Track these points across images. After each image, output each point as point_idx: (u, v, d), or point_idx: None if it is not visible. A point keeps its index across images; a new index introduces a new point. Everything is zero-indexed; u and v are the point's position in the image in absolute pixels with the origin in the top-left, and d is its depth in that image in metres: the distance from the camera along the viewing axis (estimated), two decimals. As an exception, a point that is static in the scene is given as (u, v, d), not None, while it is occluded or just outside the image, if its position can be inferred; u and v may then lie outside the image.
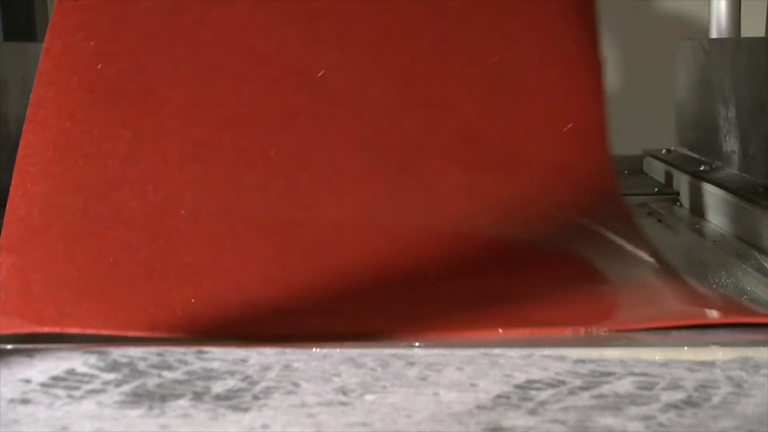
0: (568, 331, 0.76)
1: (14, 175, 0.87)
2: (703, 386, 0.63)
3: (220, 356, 0.68)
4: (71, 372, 0.65)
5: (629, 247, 0.96)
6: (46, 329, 0.74)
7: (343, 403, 0.60)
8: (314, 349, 0.70)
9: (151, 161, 0.89)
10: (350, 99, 0.94)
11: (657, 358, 0.69)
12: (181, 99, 0.91)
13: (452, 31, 0.99)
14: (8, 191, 1.03)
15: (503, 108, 1.00)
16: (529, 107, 1.00)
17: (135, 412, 0.59)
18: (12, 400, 0.60)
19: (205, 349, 0.69)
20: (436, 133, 0.96)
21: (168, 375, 0.65)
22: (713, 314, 0.81)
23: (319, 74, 0.93)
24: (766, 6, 1.76)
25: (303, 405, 0.60)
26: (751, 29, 1.69)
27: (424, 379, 0.65)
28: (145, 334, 0.75)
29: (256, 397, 0.61)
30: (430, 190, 0.94)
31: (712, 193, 1.18)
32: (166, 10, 0.92)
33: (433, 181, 0.95)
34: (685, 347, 0.71)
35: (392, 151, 0.94)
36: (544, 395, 0.61)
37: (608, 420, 0.57)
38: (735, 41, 1.42)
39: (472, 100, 0.98)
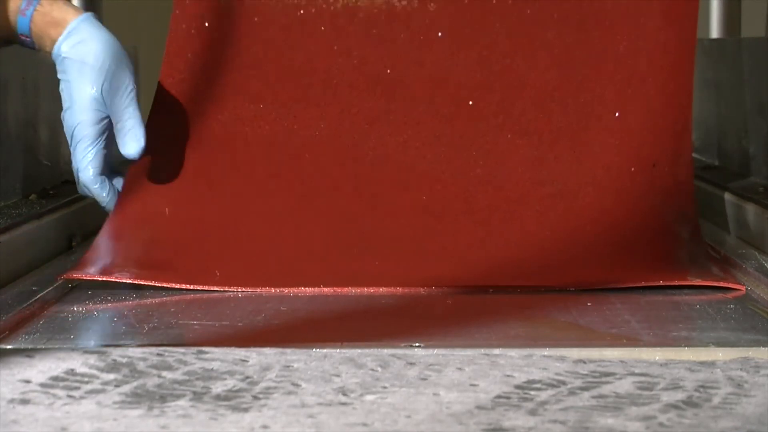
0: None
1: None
2: (703, 386, 0.63)
3: (220, 356, 0.68)
4: (71, 372, 0.65)
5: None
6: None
7: (343, 404, 0.60)
8: (314, 349, 0.70)
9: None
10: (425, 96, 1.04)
11: (657, 358, 0.69)
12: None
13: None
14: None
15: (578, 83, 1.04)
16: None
17: (135, 412, 0.59)
18: (12, 401, 0.60)
19: (205, 349, 0.69)
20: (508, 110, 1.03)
21: (168, 375, 0.65)
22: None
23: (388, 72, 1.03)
24: (766, 6, 1.76)
25: (303, 405, 0.60)
26: (751, 29, 1.68)
27: (424, 379, 0.65)
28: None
29: (256, 398, 0.61)
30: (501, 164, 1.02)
31: (712, 193, 1.18)
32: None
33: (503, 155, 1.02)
34: (685, 347, 0.72)
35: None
36: (544, 395, 0.61)
37: (608, 420, 0.57)
38: (735, 41, 1.42)
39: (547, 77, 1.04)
